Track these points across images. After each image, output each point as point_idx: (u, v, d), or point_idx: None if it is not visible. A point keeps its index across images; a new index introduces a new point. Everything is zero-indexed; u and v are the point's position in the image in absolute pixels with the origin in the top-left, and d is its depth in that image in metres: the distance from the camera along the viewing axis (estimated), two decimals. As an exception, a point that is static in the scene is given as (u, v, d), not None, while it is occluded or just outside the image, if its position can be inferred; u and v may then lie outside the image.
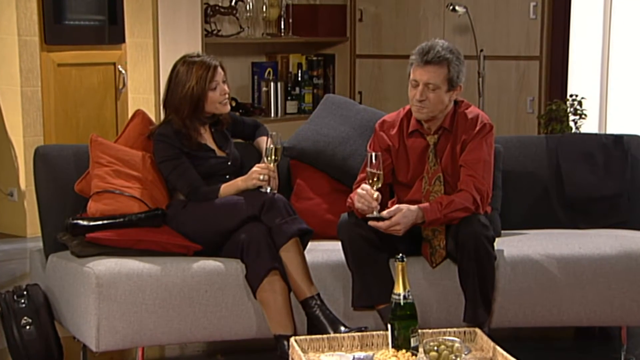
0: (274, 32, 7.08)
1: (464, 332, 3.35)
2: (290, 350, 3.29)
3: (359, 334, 3.33)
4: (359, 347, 3.29)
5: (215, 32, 6.63)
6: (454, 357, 3.04)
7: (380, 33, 7.17)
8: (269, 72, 7.04)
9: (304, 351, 3.20)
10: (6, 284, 4.96)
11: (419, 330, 3.14)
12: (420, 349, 3.11)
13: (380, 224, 3.57)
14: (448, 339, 3.13)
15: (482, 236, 3.60)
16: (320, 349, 3.27)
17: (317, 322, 3.62)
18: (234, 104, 6.40)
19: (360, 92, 7.27)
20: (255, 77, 7.04)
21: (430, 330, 3.29)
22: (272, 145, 3.79)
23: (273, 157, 3.79)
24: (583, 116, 4.85)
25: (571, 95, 4.97)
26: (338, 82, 7.39)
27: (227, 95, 3.98)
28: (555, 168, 4.35)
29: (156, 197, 3.89)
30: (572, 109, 4.86)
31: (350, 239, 3.65)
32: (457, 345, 3.09)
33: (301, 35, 7.15)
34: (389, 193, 3.96)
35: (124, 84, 6.48)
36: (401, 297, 3.09)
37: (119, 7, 6.33)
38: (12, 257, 5.62)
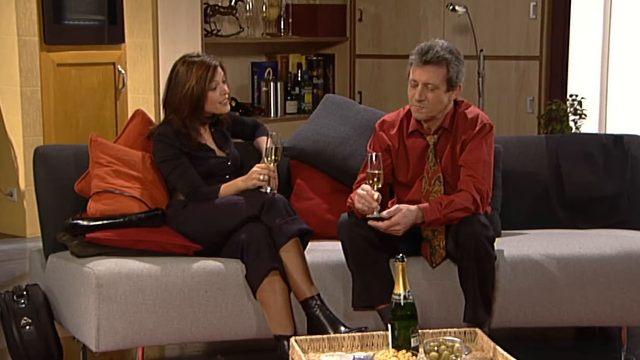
0: (273, 32, 7.07)
1: (464, 332, 3.35)
2: (290, 351, 3.29)
3: (359, 334, 3.32)
4: (359, 347, 3.29)
5: (215, 32, 6.62)
6: (454, 358, 3.04)
7: (380, 33, 7.15)
8: (269, 72, 7.03)
9: (304, 351, 3.20)
10: (6, 284, 4.96)
11: (419, 331, 3.14)
12: (421, 349, 3.11)
13: (380, 224, 3.56)
14: (448, 339, 3.12)
15: (482, 236, 3.59)
16: (321, 349, 3.26)
17: (317, 322, 3.62)
18: (233, 104, 6.39)
19: (360, 92, 7.25)
20: (255, 77, 7.03)
21: (431, 331, 3.28)
22: (272, 145, 3.79)
23: (273, 157, 3.79)
24: (583, 116, 4.85)
25: (571, 95, 4.97)
26: (338, 82, 7.38)
27: (227, 95, 3.98)
28: (555, 168, 4.35)
29: (156, 197, 3.88)
30: (572, 109, 4.86)
31: (350, 239, 3.65)
32: (457, 345, 3.09)
33: (301, 35, 7.13)
34: (389, 193, 3.96)
35: (124, 84, 6.48)
36: (401, 297, 3.09)
37: (118, 7, 6.32)
38: (12, 257, 5.61)
